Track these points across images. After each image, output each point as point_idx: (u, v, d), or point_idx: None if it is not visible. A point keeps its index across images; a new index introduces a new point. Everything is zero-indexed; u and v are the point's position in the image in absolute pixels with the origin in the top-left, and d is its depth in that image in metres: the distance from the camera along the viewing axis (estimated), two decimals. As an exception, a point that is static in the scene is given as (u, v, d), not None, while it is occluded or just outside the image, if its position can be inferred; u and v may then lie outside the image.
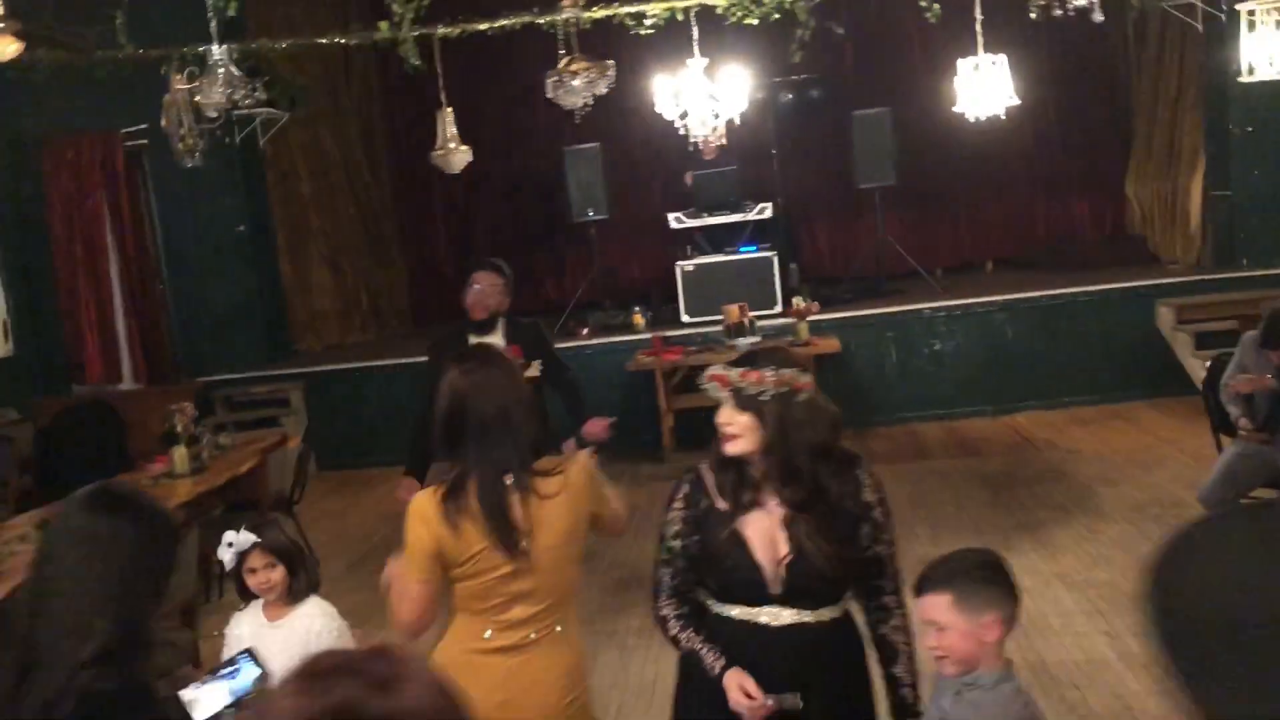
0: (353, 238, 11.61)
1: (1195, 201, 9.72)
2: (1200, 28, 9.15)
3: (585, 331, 9.63)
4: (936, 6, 6.97)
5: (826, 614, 2.47)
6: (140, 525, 1.90)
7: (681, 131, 7.46)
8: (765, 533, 2.46)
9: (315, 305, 11.08)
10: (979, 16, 7.09)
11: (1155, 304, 8.78)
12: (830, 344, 8.46)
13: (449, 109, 7.43)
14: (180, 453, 6.16)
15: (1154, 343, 8.74)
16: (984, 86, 7.01)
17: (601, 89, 6.39)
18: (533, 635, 2.55)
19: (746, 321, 8.55)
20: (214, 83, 6.09)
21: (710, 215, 9.54)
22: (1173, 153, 10.25)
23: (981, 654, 2.23)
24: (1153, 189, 10.62)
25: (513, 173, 11.36)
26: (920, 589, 2.31)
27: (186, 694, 2.16)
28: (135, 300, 9.73)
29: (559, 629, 2.61)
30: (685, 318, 9.38)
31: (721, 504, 2.51)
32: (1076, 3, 6.24)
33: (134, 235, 9.72)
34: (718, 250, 9.60)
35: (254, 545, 2.96)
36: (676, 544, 2.54)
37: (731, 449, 2.49)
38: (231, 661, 2.19)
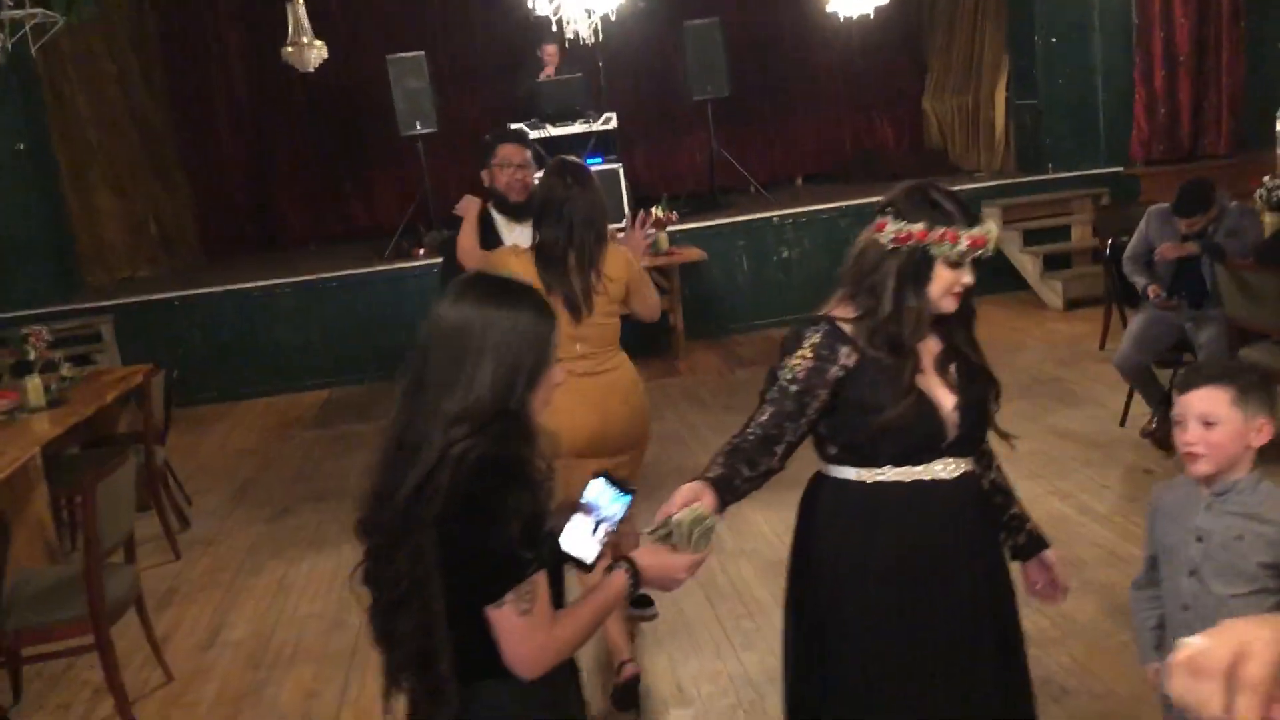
0: (136, 161, 10.48)
1: (999, 111, 10.34)
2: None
3: (422, 252, 9.16)
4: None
5: (975, 462, 2.35)
6: (513, 312, 1.83)
7: (554, 29, 7.15)
8: (928, 379, 2.27)
9: (103, 235, 9.95)
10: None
11: (981, 206, 9.28)
12: (693, 253, 8.44)
13: (300, 1, 6.77)
14: (35, 384, 5.36)
15: (982, 242, 9.25)
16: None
17: None
18: (590, 366, 3.48)
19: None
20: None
21: (555, 126, 9.23)
22: (972, 65, 10.83)
23: (1242, 458, 2.24)
24: (951, 102, 11.22)
25: (323, 84, 10.53)
26: (1191, 384, 2.28)
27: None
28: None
29: (609, 362, 3.55)
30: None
31: (874, 354, 2.22)
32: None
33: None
34: (560, 163, 9.31)
35: None
36: (793, 389, 2.20)
37: (954, 305, 2.24)
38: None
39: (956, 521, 2.24)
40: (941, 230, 2.15)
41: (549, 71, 9.60)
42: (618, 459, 3.51)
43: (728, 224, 9.11)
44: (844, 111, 11.97)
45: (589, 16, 6.95)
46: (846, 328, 2.23)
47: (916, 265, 2.17)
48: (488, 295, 1.85)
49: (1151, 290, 5.36)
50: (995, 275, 9.12)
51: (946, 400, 2.24)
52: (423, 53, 9.43)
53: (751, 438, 2.19)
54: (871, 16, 7.41)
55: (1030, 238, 9.01)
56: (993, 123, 10.43)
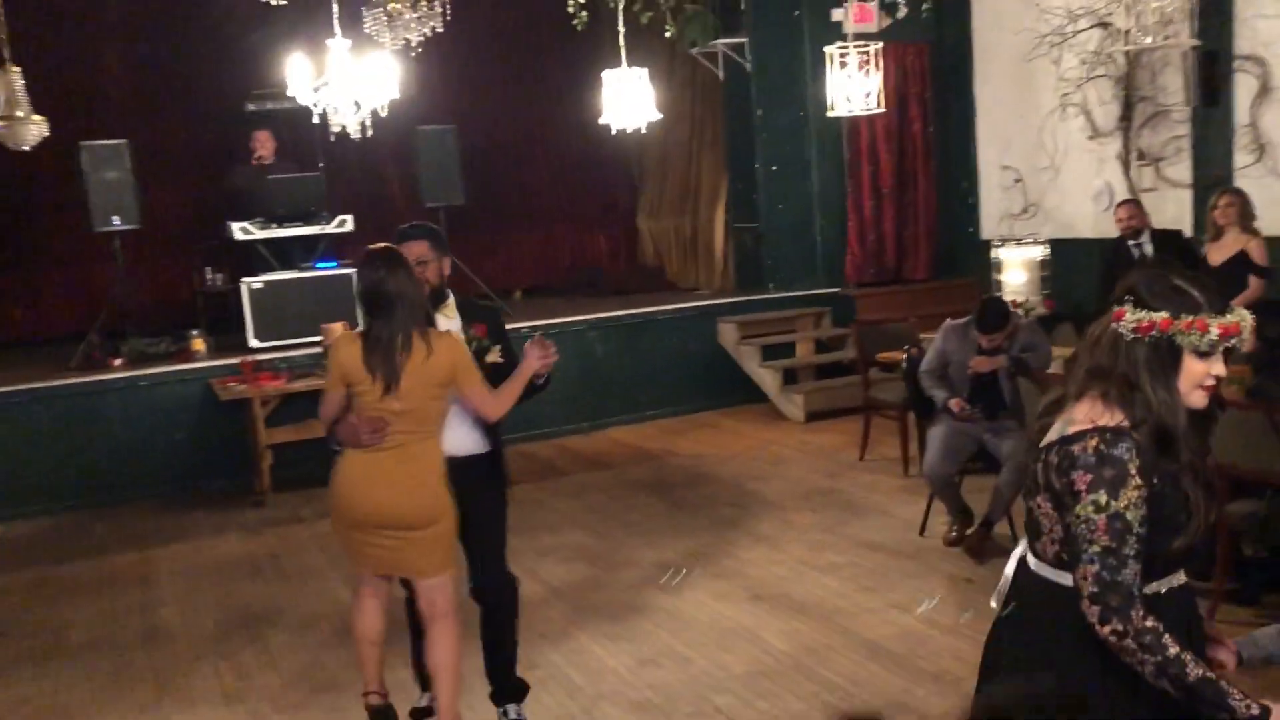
0: None
1: (719, 232, 10.74)
2: (721, 74, 10.22)
3: (119, 363, 8.00)
4: (584, 14, 6.96)
5: None
6: None
7: (316, 120, 6.55)
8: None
9: None
10: (622, 29, 7.21)
11: (718, 322, 9.51)
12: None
13: (15, 68, 5.76)
14: None
15: (720, 357, 9.45)
16: (630, 99, 7.11)
17: (435, 26, 5.34)
18: (398, 441, 3.58)
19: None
20: None
21: (283, 226, 8.46)
22: (690, 190, 11.23)
23: None
24: (668, 223, 11.55)
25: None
26: None
27: None
28: None
29: (415, 446, 3.61)
30: (254, 342, 8.21)
31: (1165, 464, 2.02)
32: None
33: None
34: (285, 266, 8.54)
35: None
36: (1143, 530, 1.98)
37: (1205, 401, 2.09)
38: None
39: (1189, 627, 2.11)
40: (1190, 319, 1.99)
41: (261, 155, 8.87)
42: (396, 536, 3.65)
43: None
44: (562, 226, 11.98)
45: (357, 109, 6.42)
46: (1137, 437, 1.99)
47: (1163, 357, 2.01)
48: None
49: (955, 403, 5.57)
50: (733, 389, 9.34)
51: None
52: (126, 140, 8.40)
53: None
54: (654, 129, 7.43)
55: (771, 353, 9.30)
56: (712, 244, 10.81)
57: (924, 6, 7.00)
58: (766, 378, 9.15)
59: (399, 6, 5.60)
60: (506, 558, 4.04)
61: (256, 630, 5.21)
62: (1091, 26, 8.31)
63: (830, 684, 4.25)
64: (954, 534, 5.63)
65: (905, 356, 6.05)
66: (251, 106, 9.33)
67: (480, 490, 3.92)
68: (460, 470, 3.76)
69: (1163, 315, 2.00)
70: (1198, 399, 2.05)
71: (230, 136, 9.34)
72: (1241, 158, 7.67)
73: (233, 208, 8.76)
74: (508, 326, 4.20)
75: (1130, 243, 7.09)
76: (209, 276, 9.33)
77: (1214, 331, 1.98)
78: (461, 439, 3.84)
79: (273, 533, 6.80)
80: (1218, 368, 2.03)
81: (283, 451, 7.51)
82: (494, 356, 3.92)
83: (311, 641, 5.05)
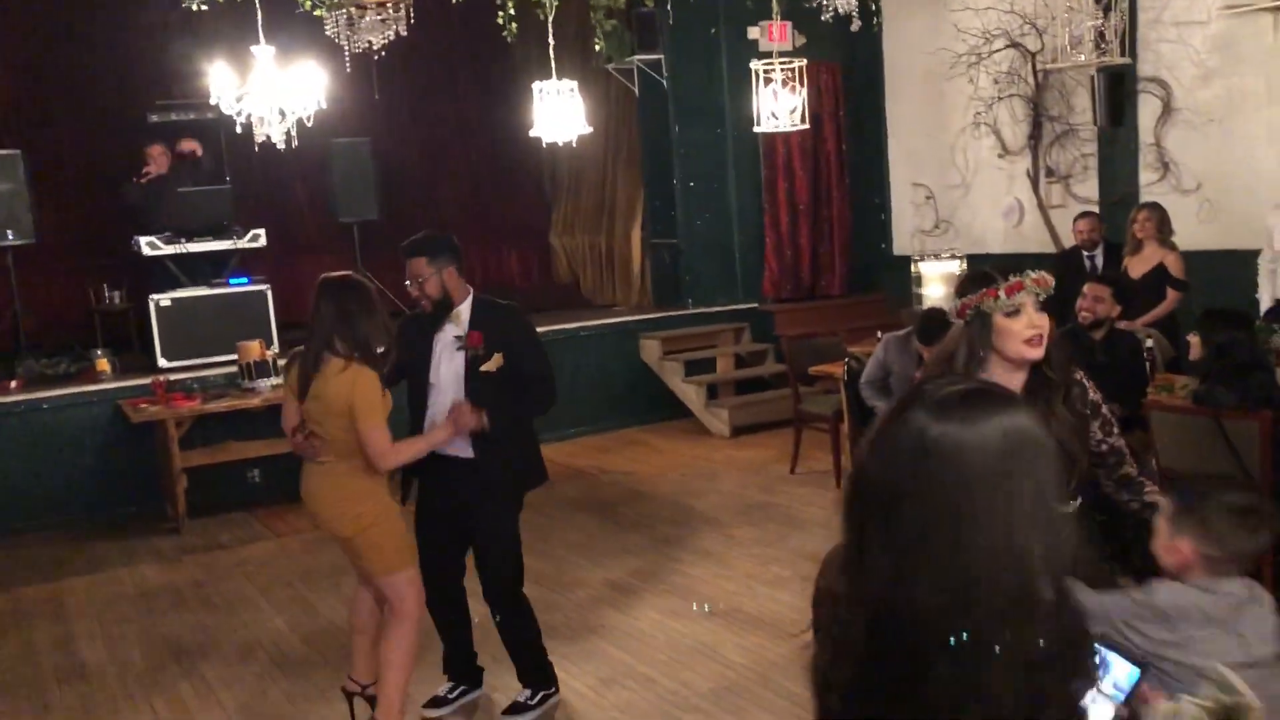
0: None
1: (636, 249, 10.71)
2: (637, 91, 10.22)
3: (15, 385, 7.56)
4: (515, 26, 6.88)
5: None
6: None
7: (239, 130, 6.31)
8: None
9: None
10: (551, 41, 7.14)
11: (640, 339, 9.47)
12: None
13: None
14: None
15: (642, 373, 9.41)
16: (561, 112, 7.04)
17: (400, 29, 5.11)
18: (325, 458, 3.79)
19: (270, 359, 7.42)
20: None
21: (193, 241, 8.12)
22: (605, 207, 11.19)
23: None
24: (583, 240, 11.48)
25: None
26: None
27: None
28: None
29: (339, 465, 3.76)
30: (162, 361, 7.84)
31: None
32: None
33: None
34: (193, 282, 8.19)
35: None
36: None
37: (1039, 351, 2.65)
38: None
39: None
40: (983, 290, 2.64)
41: (153, 170, 8.52)
42: (335, 539, 3.96)
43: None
44: (474, 242, 11.79)
45: (282, 119, 6.19)
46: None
47: (980, 326, 2.65)
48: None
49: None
50: (656, 405, 9.31)
51: None
52: (19, 151, 7.99)
53: None
54: (574, 143, 7.36)
55: (690, 368, 9.29)
56: (629, 260, 10.77)
57: (853, 24, 7.08)
58: (690, 393, 9.14)
59: (366, 6, 5.41)
60: (510, 577, 4.06)
61: (189, 663, 4.95)
62: (1005, 47, 8.56)
63: (797, 698, 4.20)
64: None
65: (845, 369, 6.09)
66: (154, 117, 8.97)
67: (476, 500, 3.87)
68: (449, 471, 3.81)
69: (968, 297, 2.66)
70: (1030, 351, 2.61)
71: (131, 148, 8.95)
72: (1146, 175, 7.99)
73: (133, 222, 8.40)
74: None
75: (1085, 254, 7.30)
76: (107, 294, 8.93)
77: (1002, 293, 2.60)
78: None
79: (193, 560, 6.49)
80: (1035, 320, 2.60)
81: (197, 475, 7.19)
82: (490, 365, 3.83)
83: (250, 673, 4.81)
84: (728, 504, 6.94)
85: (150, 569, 6.40)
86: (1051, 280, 2.66)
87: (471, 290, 4.04)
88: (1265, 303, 6.32)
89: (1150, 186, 7.92)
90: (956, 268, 8.51)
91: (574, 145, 7.51)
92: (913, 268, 8.53)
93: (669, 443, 8.75)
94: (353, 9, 5.64)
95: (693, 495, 7.18)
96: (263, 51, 6.17)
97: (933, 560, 1.19)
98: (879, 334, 6.17)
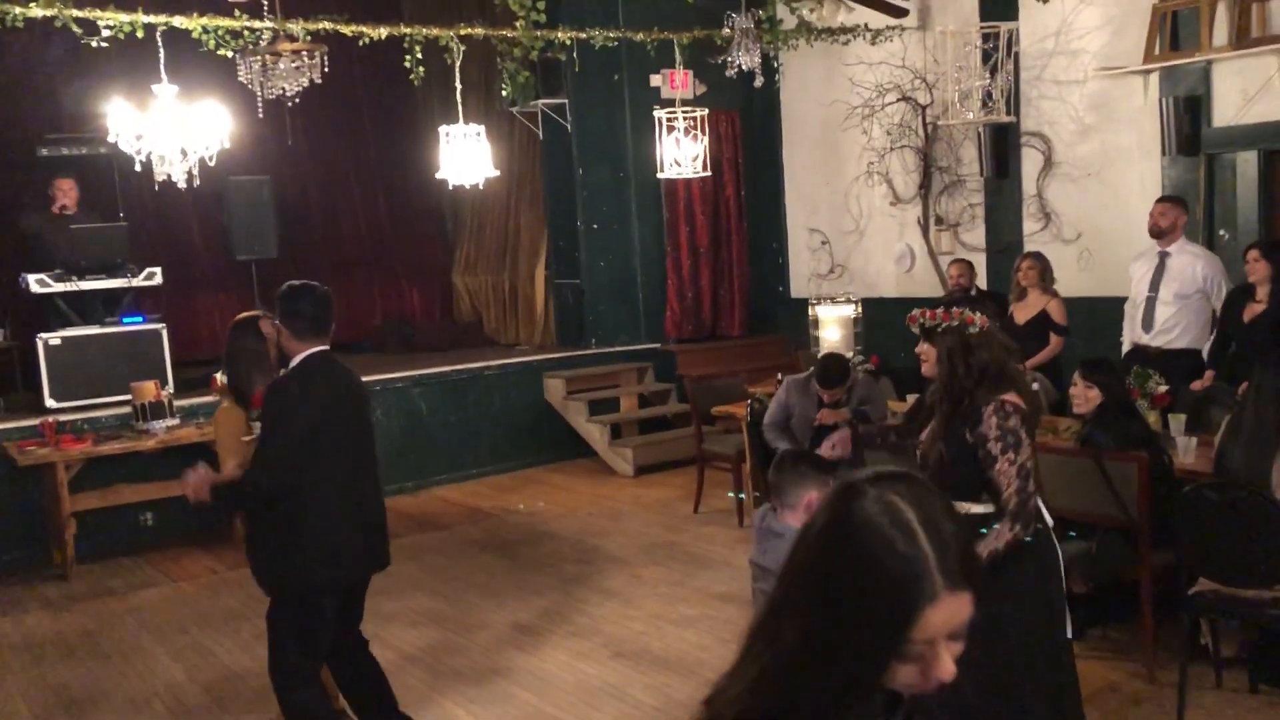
0: None
1: (539, 289, 10.77)
2: (540, 134, 10.32)
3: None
4: (421, 69, 6.92)
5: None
6: None
7: (138, 168, 6.22)
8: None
9: None
10: (458, 85, 7.19)
11: (544, 377, 9.51)
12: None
13: None
14: None
15: (546, 412, 9.44)
16: (467, 155, 7.10)
17: (314, 76, 5.04)
18: None
19: (165, 400, 7.26)
20: None
21: (85, 279, 7.91)
22: (507, 246, 11.23)
23: None
24: (486, 279, 11.50)
25: None
26: None
27: None
28: None
29: None
30: (50, 402, 7.60)
31: None
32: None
33: None
34: (86, 321, 7.97)
35: None
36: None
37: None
38: None
39: None
40: None
41: (64, 204, 8.28)
42: None
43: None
44: (374, 281, 11.73)
45: (184, 158, 6.11)
46: None
47: None
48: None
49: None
50: (559, 444, 9.35)
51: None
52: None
53: None
54: (481, 186, 7.41)
55: (594, 408, 9.36)
56: (533, 300, 10.83)
57: (756, 80, 7.30)
58: (594, 432, 9.20)
59: (280, 53, 5.38)
60: (276, 675, 3.87)
61: (79, 716, 4.79)
62: (897, 101, 8.90)
63: (705, 736, 4.27)
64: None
65: (749, 410, 6.22)
66: (44, 151, 8.74)
67: None
68: None
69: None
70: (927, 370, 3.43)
71: (19, 182, 8.70)
72: (1030, 224, 8.38)
73: (27, 258, 8.14)
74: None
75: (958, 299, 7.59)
76: (-10, 332, 8.63)
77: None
78: None
79: (81, 609, 6.28)
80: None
81: (86, 519, 6.97)
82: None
83: (146, 725, 4.69)
84: (632, 543, 7.00)
85: (36, 617, 6.18)
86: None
87: (306, 352, 3.76)
88: (1126, 346, 6.68)
89: (1034, 235, 8.30)
90: (851, 311, 8.78)
91: (475, 186, 7.58)
92: (810, 310, 8.75)
93: (573, 482, 8.79)
94: (267, 56, 5.61)
95: (597, 535, 7.22)
96: (165, 90, 6.12)
97: None
98: (779, 376, 6.34)
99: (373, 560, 4.03)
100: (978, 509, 3.25)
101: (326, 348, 3.82)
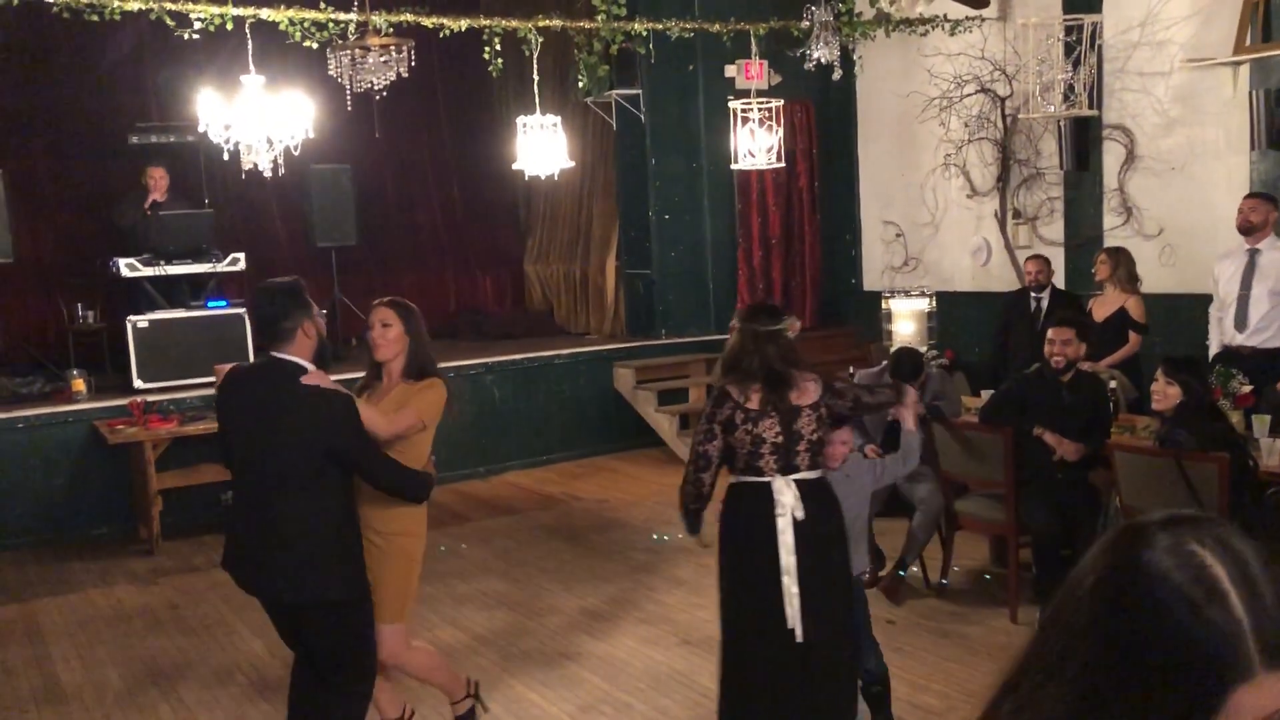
0: None
1: (610, 279, 10.84)
2: (614, 124, 10.37)
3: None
4: (500, 61, 7.00)
5: None
6: None
7: (226, 157, 6.39)
8: None
9: None
10: (536, 78, 7.27)
11: (614, 367, 9.58)
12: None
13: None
14: None
15: (615, 401, 9.51)
16: (544, 146, 7.17)
17: (401, 70, 5.19)
18: None
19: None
20: None
21: (172, 264, 8.15)
22: (580, 236, 11.32)
23: None
24: (558, 268, 11.60)
25: None
26: None
27: None
28: None
29: None
30: (138, 383, 7.85)
31: None
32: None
33: None
34: (171, 304, 8.22)
35: None
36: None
37: None
38: None
39: None
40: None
41: (155, 197, 8.53)
42: None
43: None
44: (449, 269, 11.90)
45: (270, 147, 6.27)
46: None
47: None
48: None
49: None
50: (627, 433, 9.42)
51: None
52: (-2, 169, 8.01)
53: None
54: (556, 177, 7.49)
55: (663, 398, 9.41)
56: (603, 289, 10.90)
57: (835, 74, 7.27)
58: (662, 422, 9.25)
59: (369, 47, 5.51)
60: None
61: (168, 686, 4.97)
62: (976, 93, 8.79)
63: (772, 726, 4.30)
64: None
65: (820, 403, 6.21)
66: (135, 139, 9.00)
67: None
68: None
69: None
70: None
71: (110, 169, 8.98)
72: (1110, 219, 8.23)
73: (121, 244, 8.41)
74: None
75: (1033, 295, 7.49)
76: (80, 314, 8.92)
77: None
78: None
79: (168, 582, 6.50)
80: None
81: (171, 497, 7.20)
82: None
83: (229, 696, 4.84)
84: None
85: (125, 590, 6.41)
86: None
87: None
88: (1214, 348, 6.53)
89: (1114, 230, 8.16)
90: (925, 305, 8.71)
91: (554, 177, 7.67)
92: (883, 304, 8.71)
93: (641, 471, 8.85)
94: (356, 50, 5.74)
95: (665, 524, 7.27)
96: (252, 80, 6.27)
97: None
98: (851, 369, 6.32)
99: (268, 585, 3.58)
100: None
101: (271, 353, 3.63)
